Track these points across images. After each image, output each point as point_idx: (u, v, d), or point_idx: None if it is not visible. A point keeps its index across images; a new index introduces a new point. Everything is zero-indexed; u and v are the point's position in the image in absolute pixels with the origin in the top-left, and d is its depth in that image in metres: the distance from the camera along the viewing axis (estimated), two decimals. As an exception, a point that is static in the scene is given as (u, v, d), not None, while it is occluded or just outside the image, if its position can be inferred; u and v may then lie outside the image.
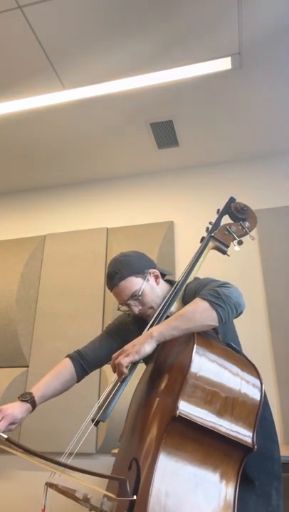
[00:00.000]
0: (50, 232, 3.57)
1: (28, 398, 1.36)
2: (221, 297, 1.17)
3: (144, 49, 2.41)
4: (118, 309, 1.51)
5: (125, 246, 3.25)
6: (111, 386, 1.18)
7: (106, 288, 3.18)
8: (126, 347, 1.16)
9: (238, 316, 1.24)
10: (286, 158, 3.33)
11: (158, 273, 1.51)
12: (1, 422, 1.25)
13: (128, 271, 1.43)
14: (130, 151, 3.34)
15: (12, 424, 1.30)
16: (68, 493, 1.10)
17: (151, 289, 1.45)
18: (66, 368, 1.54)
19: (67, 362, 1.55)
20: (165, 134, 3.15)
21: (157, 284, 1.49)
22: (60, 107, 2.83)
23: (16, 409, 1.32)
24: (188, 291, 1.39)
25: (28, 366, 3.08)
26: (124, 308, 1.48)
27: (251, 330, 2.80)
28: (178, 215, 3.36)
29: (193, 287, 1.38)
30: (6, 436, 1.21)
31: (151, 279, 1.48)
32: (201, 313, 1.15)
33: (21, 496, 2.73)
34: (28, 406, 1.36)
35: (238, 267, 3.01)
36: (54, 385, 1.48)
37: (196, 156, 3.41)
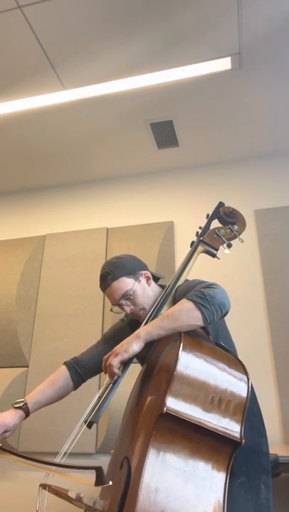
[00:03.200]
0: (50, 232, 3.58)
1: (20, 405, 1.41)
2: (205, 298, 1.20)
3: (144, 49, 2.41)
4: (111, 310, 1.54)
5: (125, 246, 3.26)
6: (103, 388, 1.20)
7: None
8: (115, 348, 1.20)
9: (224, 316, 1.27)
10: (286, 158, 3.32)
11: (149, 274, 1.56)
12: None
13: (120, 272, 1.48)
14: (130, 151, 3.35)
15: (5, 432, 1.34)
16: (61, 493, 1.11)
17: (142, 289, 1.49)
18: (61, 375, 1.57)
19: (63, 369, 1.59)
20: (165, 134, 3.15)
21: (149, 285, 1.53)
22: (60, 107, 2.84)
23: (8, 417, 1.36)
24: (178, 293, 1.42)
25: (28, 366, 3.08)
26: (117, 309, 1.51)
27: (251, 330, 2.79)
28: (178, 215, 3.36)
29: (182, 289, 1.41)
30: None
31: (143, 280, 1.52)
32: (186, 313, 1.18)
33: (21, 495, 2.73)
34: (21, 413, 1.40)
35: (237, 267, 3.01)
36: (48, 392, 1.51)
37: (196, 156, 3.41)
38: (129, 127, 3.08)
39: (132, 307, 1.48)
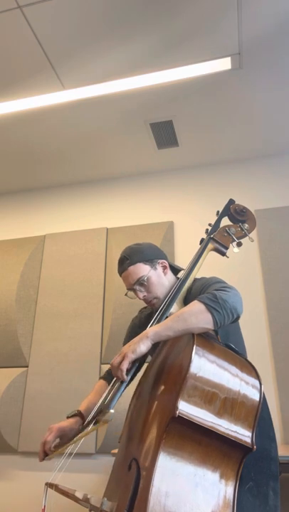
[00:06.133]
0: (49, 232, 3.57)
1: (74, 413, 1.42)
2: (217, 301, 1.19)
3: (144, 49, 2.41)
4: (125, 294, 1.56)
5: (125, 246, 3.25)
6: (110, 386, 1.19)
7: (106, 288, 3.19)
8: (123, 348, 1.18)
9: (236, 321, 1.25)
10: (286, 158, 3.33)
11: (166, 264, 1.57)
12: (50, 435, 1.33)
13: (137, 257, 1.50)
14: (130, 151, 3.34)
15: (62, 436, 1.36)
16: (68, 493, 1.10)
17: (157, 277, 1.51)
18: (102, 385, 1.58)
19: (102, 381, 1.60)
20: (165, 134, 3.15)
21: (165, 274, 1.55)
22: (60, 107, 2.83)
23: (64, 423, 1.38)
24: (195, 290, 1.42)
25: (27, 366, 3.08)
26: (131, 294, 1.53)
27: (251, 330, 2.80)
28: (178, 215, 3.36)
29: (198, 286, 1.41)
30: (56, 442, 1.30)
31: (160, 269, 1.54)
32: (196, 315, 1.17)
33: (21, 496, 2.73)
34: (77, 418, 1.41)
35: (237, 266, 3.01)
36: (96, 400, 1.49)
37: (196, 156, 3.41)
38: (129, 127, 3.07)
39: (145, 293, 1.50)
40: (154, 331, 1.17)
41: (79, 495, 1.07)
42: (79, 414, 1.42)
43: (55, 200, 3.76)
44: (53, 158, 3.41)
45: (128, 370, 1.15)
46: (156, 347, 1.23)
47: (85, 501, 1.06)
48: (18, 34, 2.31)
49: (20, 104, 2.78)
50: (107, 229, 3.43)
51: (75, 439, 1.20)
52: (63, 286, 3.29)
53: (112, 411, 1.07)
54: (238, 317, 1.23)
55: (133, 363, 1.16)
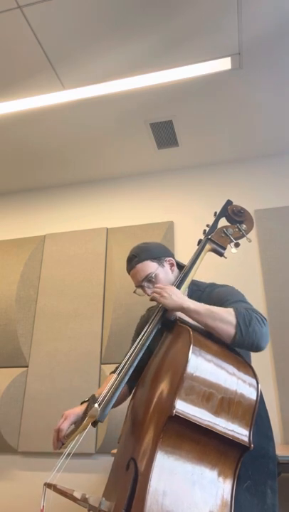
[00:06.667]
0: (49, 232, 3.57)
1: (89, 398, 1.41)
2: (248, 327, 1.21)
3: (144, 49, 2.41)
4: (134, 292, 1.59)
5: (125, 246, 3.26)
6: (108, 386, 1.19)
7: (106, 288, 3.19)
8: (165, 288, 1.30)
9: (251, 351, 1.27)
10: (286, 158, 3.33)
11: (173, 261, 1.60)
12: (64, 422, 1.34)
13: (145, 255, 1.54)
14: (130, 151, 3.34)
15: (76, 422, 1.36)
16: (67, 493, 1.10)
17: (165, 274, 1.54)
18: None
19: (112, 375, 1.57)
20: (165, 134, 3.15)
21: (172, 271, 1.58)
22: (60, 107, 2.83)
23: (77, 409, 1.39)
24: (215, 294, 1.45)
25: (27, 366, 3.08)
26: (140, 291, 1.56)
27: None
28: (178, 215, 3.36)
29: (221, 292, 1.44)
30: (71, 428, 1.32)
31: (167, 266, 1.57)
32: (224, 323, 1.20)
33: (21, 496, 2.73)
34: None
35: (237, 266, 3.01)
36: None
37: (196, 156, 3.41)
38: (129, 127, 3.07)
39: None
40: (189, 307, 1.24)
41: (77, 495, 1.07)
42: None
43: (55, 200, 3.76)
44: (53, 158, 3.41)
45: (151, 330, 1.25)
46: (157, 342, 1.23)
47: (83, 501, 1.06)
48: (18, 34, 2.31)
49: (20, 104, 2.79)
50: (107, 229, 3.43)
51: (74, 434, 1.21)
52: (63, 286, 3.29)
53: (96, 405, 1.07)
54: (254, 351, 1.24)
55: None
